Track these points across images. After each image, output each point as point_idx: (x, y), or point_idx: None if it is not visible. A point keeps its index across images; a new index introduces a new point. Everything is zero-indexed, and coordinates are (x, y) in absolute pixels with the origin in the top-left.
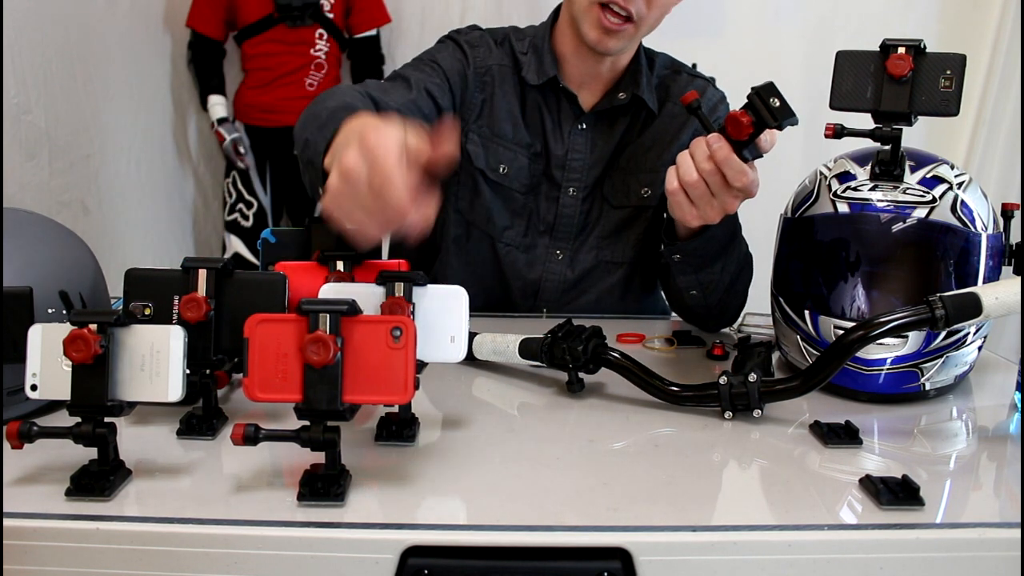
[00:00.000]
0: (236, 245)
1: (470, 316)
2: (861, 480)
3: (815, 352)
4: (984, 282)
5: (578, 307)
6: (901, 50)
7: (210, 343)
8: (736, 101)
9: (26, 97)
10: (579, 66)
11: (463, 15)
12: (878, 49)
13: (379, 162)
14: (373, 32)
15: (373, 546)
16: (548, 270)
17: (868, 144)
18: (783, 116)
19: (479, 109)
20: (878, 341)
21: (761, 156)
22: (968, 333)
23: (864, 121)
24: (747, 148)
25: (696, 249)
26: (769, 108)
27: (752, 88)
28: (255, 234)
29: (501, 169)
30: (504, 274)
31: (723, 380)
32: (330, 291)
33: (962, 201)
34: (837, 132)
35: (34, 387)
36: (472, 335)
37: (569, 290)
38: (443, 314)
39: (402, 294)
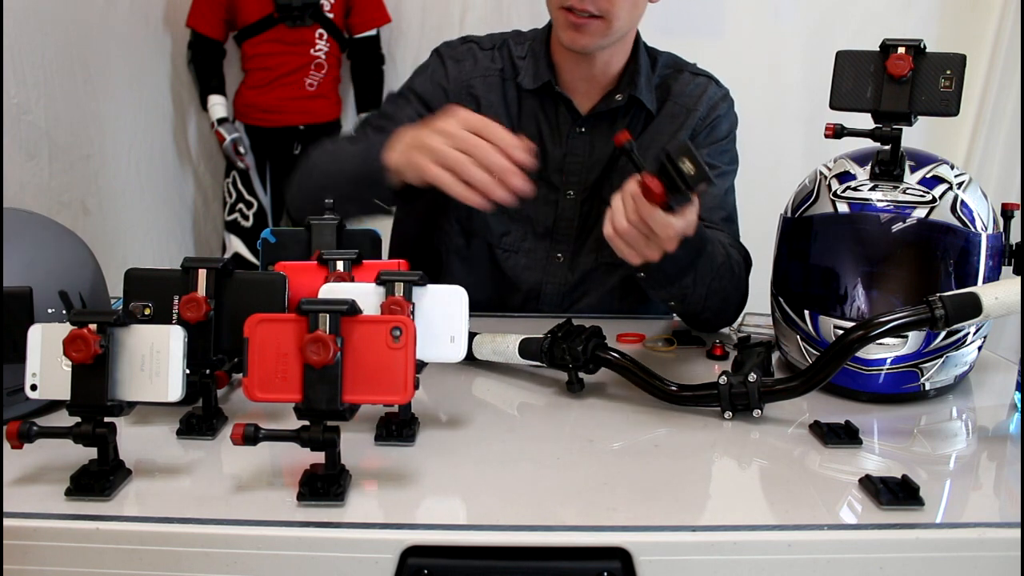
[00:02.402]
0: (236, 245)
1: (470, 316)
2: (861, 480)
3: (815, 352)
4: (984, 282)
5: (579, 310)
6: (901, 50)
7: (210, 343)
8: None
9: (26, 97)
10: (572, 70)
11: (463, 15)
12: (878, 49)
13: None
14: (373, 32)
15: (373, 546)
16: (549, 273)
17: (868, 144)
18: (695, 182)
19: None
20: (878, 341)
21: (691, 201)
22: (968, 333)
23: (864, 121)
24: (673, 200)
25: (659, 268)
26: (680, 173)
27: (663, 150)
28: (255, 234)
29: None
30: (506, 280)
31: (723, 380)
32: (330, 291)
33: (962, 201)
34: (837, 132)
35: (34, 387)
36: (472, 335)
37: (570, 293)
38: (443, 314)
39: (402, 294)
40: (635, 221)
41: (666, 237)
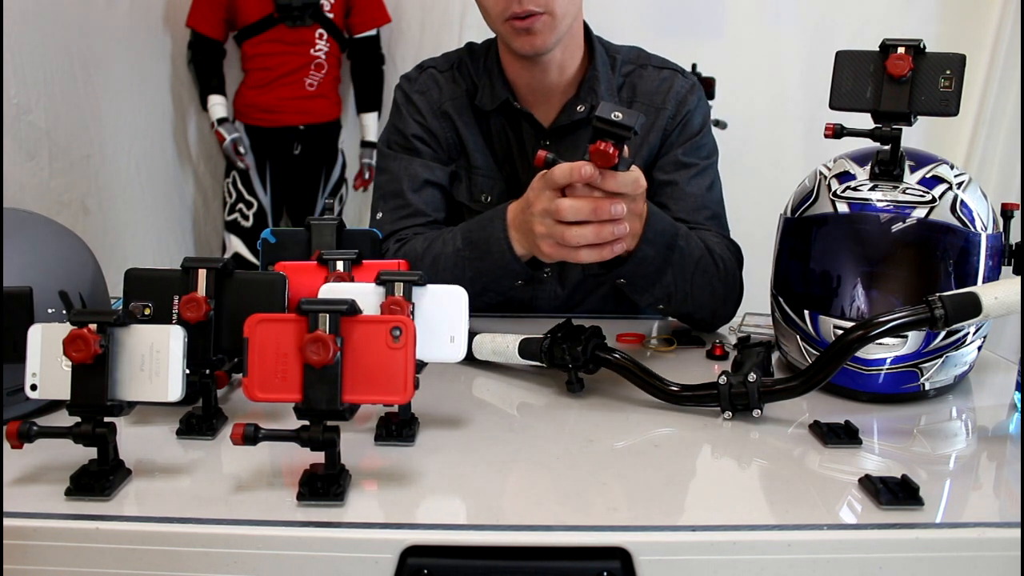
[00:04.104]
0: (236, 245)
1: (470, 316)
2: (861, 480)
3: (815, 352)
4: (984, 282)
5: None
6: (901, 50)
7: (210, 343)
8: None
9: (26, 97)
10: (528, 83)
11: (463, 15)
12: (878, 49)
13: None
14: (373, 32)
15: (373, 546)
16: (540, 289)
17: (868, 144)
18: (633, 121)
19: (456, 146)
20: (877, 341)
21: (631, 162)
22: (968, 333)
23: (864, 121)
24: (621, 163)
25: (633, 272)
26: (617, 124)
27: (594, 118)
28: (255, 234)
29: (484, 199)
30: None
31: (723, 380)
32: (330, 291)
33: (962, 201)
34: (837, 132)
35: (34, 387)
36: (472, 335)
37: (562, 307)
38: (443, 314)
39: (402, 294)
40: (597, 209)
41: (637, 195)
